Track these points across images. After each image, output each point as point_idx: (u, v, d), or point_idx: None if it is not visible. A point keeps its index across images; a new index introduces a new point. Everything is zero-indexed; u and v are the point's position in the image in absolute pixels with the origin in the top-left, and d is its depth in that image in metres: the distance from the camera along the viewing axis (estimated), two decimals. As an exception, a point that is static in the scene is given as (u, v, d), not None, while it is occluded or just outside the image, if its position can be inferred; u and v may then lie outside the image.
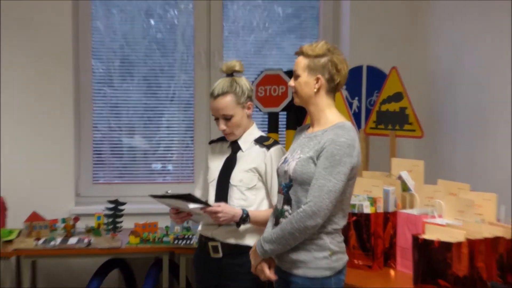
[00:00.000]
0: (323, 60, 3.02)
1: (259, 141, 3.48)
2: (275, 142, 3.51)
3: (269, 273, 3.06)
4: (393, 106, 4.77)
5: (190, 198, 3.35)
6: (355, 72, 4.97)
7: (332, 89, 3.07)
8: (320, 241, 2.96)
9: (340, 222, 3.03)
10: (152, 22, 5.57)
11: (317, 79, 3.02)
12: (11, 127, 5.13)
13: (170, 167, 5.71)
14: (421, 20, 5.36)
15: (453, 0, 4.86)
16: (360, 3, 5.45)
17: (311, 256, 2.96)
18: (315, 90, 3.03)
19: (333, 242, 2.99)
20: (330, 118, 3.05)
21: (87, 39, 5.40)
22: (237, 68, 3.48)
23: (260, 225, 3.34)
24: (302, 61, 3.07)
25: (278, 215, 3.08)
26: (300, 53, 3.09)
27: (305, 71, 3.05)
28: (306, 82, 3.04)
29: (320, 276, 2.96)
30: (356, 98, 5.07)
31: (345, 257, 3.06)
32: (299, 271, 2.98)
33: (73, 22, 5.22)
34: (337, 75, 3.04)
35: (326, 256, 2.96)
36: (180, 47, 5.58)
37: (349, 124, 3.03)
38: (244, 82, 3.50)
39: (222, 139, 3.63)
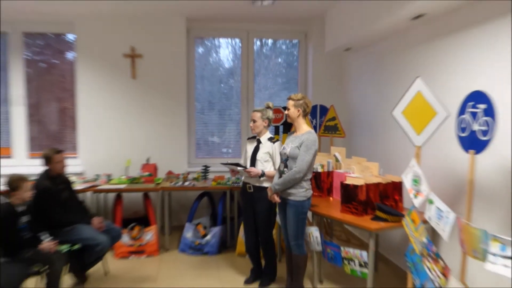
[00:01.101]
0: (300, 101, 3.09)
1: (270, 139, 3.42)
2: (277, 140, 3.43)
3: (276, 198, 3.11)
4: (331, 123, 4.73)
5: (238, 164, 3.44)
6: (314, 107, 4.97)
7: (305, 115, 3.14)
8: (301, 184, 3.03)
9: (309, 175, 3.09)
10: (222, 85, 5.49)
11: (298, 110, 3.10)
12: (161, 134, 5.12)
13: (230, 150, 5.60)
14: (345, 82, 5.22)
15: (359, 74, 4.78)
16: (316, 77, 5.34)
17: (296, 191, 3.03)
18: (297, 115, 3.11)
19: (307, 184, 3.07)
20: (304, 128, 3.12)
21: (192, 92, 5.35)
22: (270, 105, 3.46)
23: (269, 178, 3.34)
24: (290, 102, 3.13)
25: (281, 173, 3.13)
26: (289, 98, 3.15)
27: (292, 107, 3.11)
28: (293, 112, 3.11)
29: (301, 200, 3.04)
30: (314, 119, 4.99)
31: (311, 191, 3.12)
32: (291, 197, 3.05)
33: (188, 85, 5.18)
34: (307, 109, 3.12)
35: (303, 191, 3.04)
36: (234, 96, 5.51)
37: (313, 131, 3.10)
38: (269, 112, 3.45)
39: (252, 138, 3.55)
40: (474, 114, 2.36)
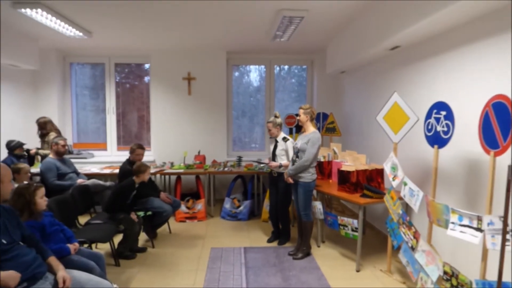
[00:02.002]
0: (308, 110, 3.03)
1: (283, 139, 3.34)
2: (288, 139, 3.33)
3: (290, 180, 3.06)
4: (331, 126, 4.64)
5: (259, 161, 3.48)
6: (318, 114, 4.90)
7: (311, 120, 3.07)
8: (308, 170, 2.98)
9: (314, 163, 3.03)
10: (251, 98, 5.45)
11: (306, 116, 3.03)
12: (208, 133, 5.09)
13: (257, 145, 5.52)
14: (341, 96, 5.08)
15: (351, 90, 4.63)
16: (319, 93, 5.25)
17: (305, 175, 2.99)
18: (306, 120, 3.05)
19: (312, 170, 3.01)
20: (311, 129, 3.05)
21: (230, 104, 5.31)
22: (277, 115, 3.36)
23: (286, 167, 3.28)
24: (301, 111, 3.06)
25: (293, 161, 3.06)
26: (300, 108, 3.09)
27: (303, 114, 3.05)
28: (303, 117, 3.05)
29: (308, 181, 2.99)
30: (318, 123, 4.89)
31: (316, 175, 3.05)
32: (301, 180, 3.01)
33: (227, 99, 5.15)
34: (313, 115, 3.05)
35: (310, 175, 2.99)
36: (261, 107, 5.45)
37: (317, 131, 3.04)
38: (277, 120, 3.33)
39: (272, 138, 3.43)
40: (437, 119, 2.31)
